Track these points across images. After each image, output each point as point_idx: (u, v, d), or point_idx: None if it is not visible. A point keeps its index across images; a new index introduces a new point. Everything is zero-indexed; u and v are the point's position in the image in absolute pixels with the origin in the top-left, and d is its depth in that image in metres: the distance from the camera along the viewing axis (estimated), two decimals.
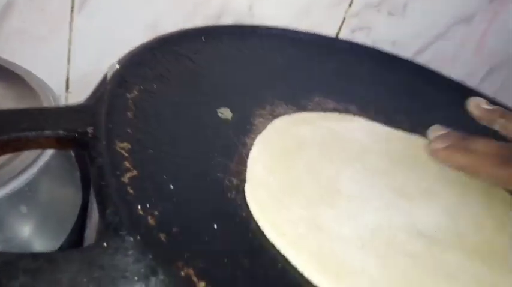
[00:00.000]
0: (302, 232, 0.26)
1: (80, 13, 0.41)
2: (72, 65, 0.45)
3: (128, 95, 0.29)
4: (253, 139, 0.33)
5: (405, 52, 0.54)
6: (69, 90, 0.46)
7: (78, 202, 0.40)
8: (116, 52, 0.43)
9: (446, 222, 0.32)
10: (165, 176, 0.25)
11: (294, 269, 0.24)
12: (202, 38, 0.40)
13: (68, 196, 0.40)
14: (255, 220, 0.26)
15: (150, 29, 0.44)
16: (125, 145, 0.25)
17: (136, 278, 0.17)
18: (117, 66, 0.32)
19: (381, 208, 0.31)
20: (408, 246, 0.28)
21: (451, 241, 0.30)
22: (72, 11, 0.41)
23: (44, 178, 0.36)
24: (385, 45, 0.54)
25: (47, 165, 0.34)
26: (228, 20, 0.45)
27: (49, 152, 0.34)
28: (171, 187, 0.24)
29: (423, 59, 0.56)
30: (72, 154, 0.43)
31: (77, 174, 0.42)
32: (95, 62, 0.44)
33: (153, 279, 0.17)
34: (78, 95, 0.46)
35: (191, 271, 0.19)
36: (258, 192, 0.28)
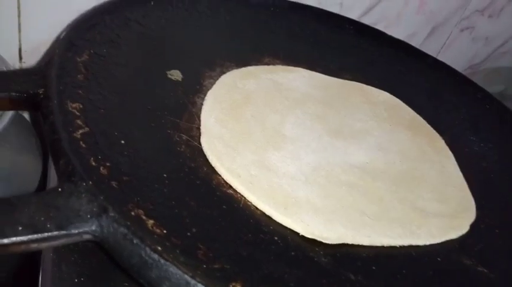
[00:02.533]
0: (254, 173, 0.30)
1: None
2: (23, 33, 0.45)
3: (78, 59, 0.30)
4: (203, 98, 0.35)
5: (352, 13, 0.57)
6: (23, 60, 0.46)
7: (39, 169, 0.41)
8: (67, 19, 0.43)
9: (376, 155, 0.36)
10: (116, 133, 0.27)
11: (248, 205, 0.27)
12: (151, 2, 0.41)
13: (29, 163, 0.41)
14: (207, 168, 0.29)
15: None
16: (77, 105, 0.27)
17: (89, 216, 0.20)
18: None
19: (320, 149, 0.34)
20: (344, 177, 0.32)
21: (380, 171, 0.34)
22: None
23: (3, 145, 0.37)
24: (333, 7, 0.56)
25: (4, 133, 0.35)
26: None
27: (5, 120, 0.35)
28: (122, 142, 0.27)
29: (369, 20, 0.58)
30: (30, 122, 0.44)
31: (36, 142, 0.43)
32: (48, 30, 0.44)
33: (103, 216, 0.20)
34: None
35: (141, 212, 0.22)
36: (213, 143, 0.31)
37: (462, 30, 0.68)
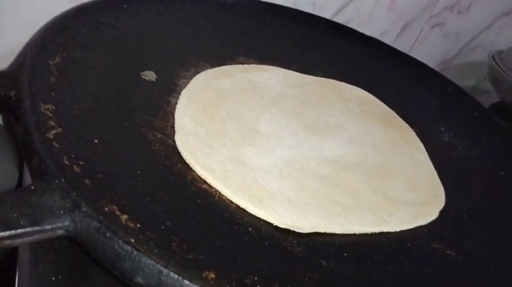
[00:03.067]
0: (229, 168, 0.30)
1: None
2: None
3: (50, 62, 0.31)
4: (177, 98, 0.36)
5: (325, 13, 0.58)
6: None
7: (15, 173, 0.41)
8: (40, 24, 0.43)
9: (350, 149, 0.37)
10: (89, 133, 0.27)
11: (223, 199, 0.28)
12: (124, 5, 0.41)
13: (4, 168, 0.41)
14: (181, 165, 0.29)
15: (74, 1, 0.44)
16: (49, 106, 0.27)
17: (62, 212, 0.20)
18: None
19: (295, 144, 0.35)
20: (318, 170, 0.33)
21: (354, 163, 0.35)
22: None
23: None
24: (306, 6, 0.57)
25: None
26: None
27: None
28: (96, 141, 0.27)
29: (342, 19, 0.60)
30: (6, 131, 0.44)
31: (12, 147, 0.43)
32: (22, 36, 0.44)
33: (76, 211, 0.20)
34: None
35: (114, 207, 0.22)
36: (188, 140, 0.31)
37: (433, 27, 0.70)
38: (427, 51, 0.72)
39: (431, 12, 0.68)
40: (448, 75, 0.55)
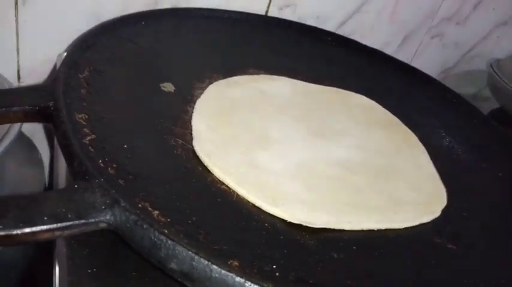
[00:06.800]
0: (244, 171, 0.33)
1: (24, 6, 0.44)
2: (21, 55, 0.48)
3: (80, 75, 0.33)
4: (193, 107, 0.38)
5: (328, 26, 0.61)
6: (21, 80, 0.49)
7: (43, 180, 0.44)
8: (63, 42, 0.46)
9: (355, 152, 0.40)
10: (119, 139, 0.30)
11: (241, 198, 0.30)
12: (142, 22, 0.44)
13: (33, 175, 0.44)
14: (201, 168, 0.32)
15: (93, 18, 0.47)
16: (83, 115, 0.30)
17: (103, 207, 0.22)
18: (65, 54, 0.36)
19: (304, 148, 0.38)
20: (326, 173, 0.36)
21: (359, 166, 0.38)
22: (16, 3, 0.44)
23: (9, 160, 0.40)
24: (310, 20, 0.60)
25: (9, 149, 0.37)
26: (165, 6, 0.50)
27: (11, 136, 0.38)
28: (125, 146, 0.30)
29: (345, 31, 0.63)
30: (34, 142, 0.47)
31: (38, 155, 0.46)
32: (44, 52, 0.48)
33: (116, 207, 0.23)
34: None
35: (147, 204, 0.25)
36: (205, 146, 0.34)
37: (433, 37, 0.73)
38: (427, 60, 0.75)
39: (431, 24, 0.71)
40: (449, 83, 0.57)
